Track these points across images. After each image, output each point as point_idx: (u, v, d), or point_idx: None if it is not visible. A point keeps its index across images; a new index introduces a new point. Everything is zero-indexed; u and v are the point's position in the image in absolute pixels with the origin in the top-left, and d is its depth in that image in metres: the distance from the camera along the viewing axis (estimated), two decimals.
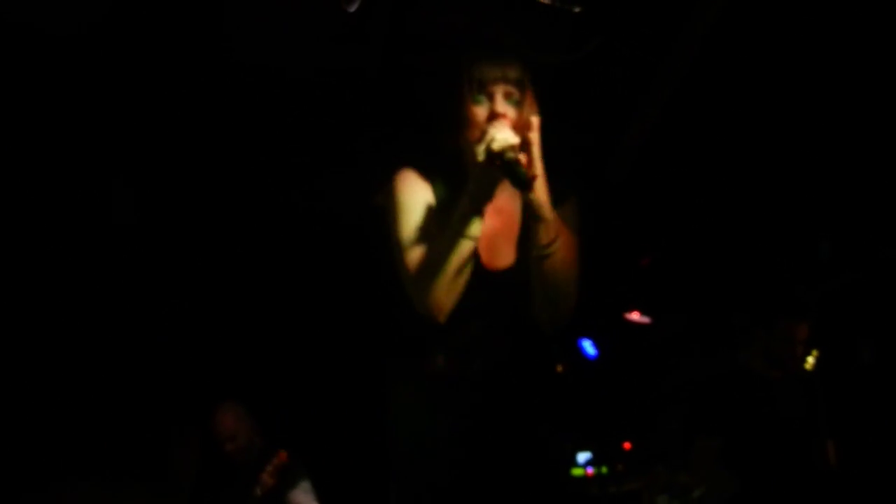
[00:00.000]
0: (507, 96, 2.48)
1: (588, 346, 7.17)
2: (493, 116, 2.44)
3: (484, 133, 2.34)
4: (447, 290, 2.38)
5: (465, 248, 2.36)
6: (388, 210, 2.57)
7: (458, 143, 2.53)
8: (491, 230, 2.52)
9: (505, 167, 2.27)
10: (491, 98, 2.47)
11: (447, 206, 2.48)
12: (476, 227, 2.36)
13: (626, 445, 7.09)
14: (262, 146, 4.86)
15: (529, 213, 2.40)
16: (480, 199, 2.36)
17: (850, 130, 4.80)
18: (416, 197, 2.54)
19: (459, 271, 2.38)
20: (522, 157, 2.29)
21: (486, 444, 2.49)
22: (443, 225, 2.43)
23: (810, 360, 4.36)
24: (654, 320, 6.98)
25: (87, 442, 5.41)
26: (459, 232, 2.36)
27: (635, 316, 6.98)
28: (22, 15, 3.76)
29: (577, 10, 3.73)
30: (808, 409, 4.31)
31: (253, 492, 4.58)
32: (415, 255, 2.45)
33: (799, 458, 4.20)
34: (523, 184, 2.26)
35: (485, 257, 2.51)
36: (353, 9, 3.60)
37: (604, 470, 6.69)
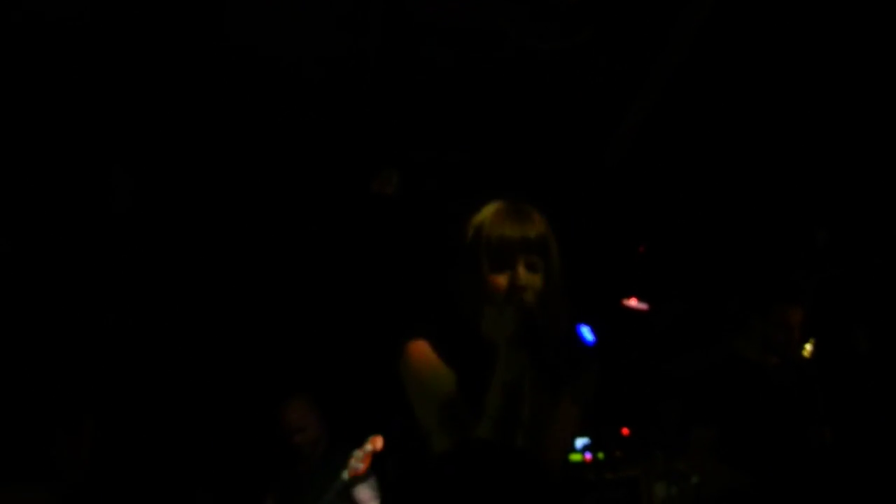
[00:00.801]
0: (530, 266, 2.27)
1: (586, 333, 7.16)
2: (515, 291, 2.23)
3: (506, 303, 2.19)
4: None
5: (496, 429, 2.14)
6: (407, 383, 2.35)
7: (476, 315, 2.29)
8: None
9: (531, 331, 2.11)
10: (512, 268, 2.26)
11: (468, 385, 2.28)
12: (506, 409, 2.15)
13: (625, 431, 7.10)
14: (261, 137, 4.88)
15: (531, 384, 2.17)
16: (513, 375, 2.14)
17: (848, 119, 4.80)
18: (437, 376, 2.32)
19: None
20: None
21: None
22: (473, 406, 2.21)
23: (808, 347, 4.35)
24: (652, 306, 6.99)
25: None
26: (490, 413, 2.15)
27: (633, 302, 6.98)
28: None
29: None
30: (805, 396, 4.30)
31: (339, 476, 4.51)
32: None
33: (796, 444, 4.20)
34: (552, 351, 2.13)
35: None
36: None
37: (601, 456, 6.71)
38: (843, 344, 5.29)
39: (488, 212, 2.36)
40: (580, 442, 6.92)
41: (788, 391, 4.27)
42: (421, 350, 2.36)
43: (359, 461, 4.50)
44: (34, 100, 4.40)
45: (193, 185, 5.22)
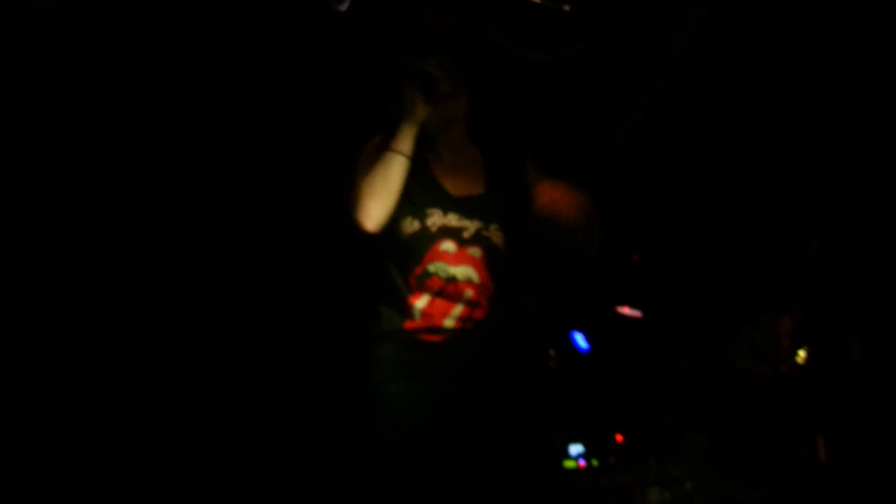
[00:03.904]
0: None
1: (580, 339, 7.18)
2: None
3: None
4: (377, 200, 2.55)
5: (396, 162, 2.58)
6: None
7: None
8: (450, 162, 2.76)
9: (413, 77, 2.61)
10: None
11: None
12: (406, 145, 2.60)
13: (618, 438, 7.10)
14: (250, 142, 4.88)
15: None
16: (407, 116, 2.62)
17: (841, 128, 4.80)
18: (375, 151, 2.70)
19: (391, 183, 2.57)
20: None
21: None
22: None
23: (801, 354, 4.37)
24: (645, 314, 7.00)
25: None
26: (389, 147, 2.60)
27: (626, 310, 6.99)
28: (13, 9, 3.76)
29: (566, 8, 3.73)
30: (798, 405, 4.31)
31: None
32: (361, 172, 2.64)
33: (788, 454, 4.21)
34: (429, 93, 2.60)
35: (449, 187, 2.71)
36: (343, 8, 3.60)
37: (595, 463, 6.70)
38: (838, 352, 5.29)
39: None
40: (574, 449, 6.92)
41: (779, 400, 4.28)
42: (373, 140, 2.76)
43: None
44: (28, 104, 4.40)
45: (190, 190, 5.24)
